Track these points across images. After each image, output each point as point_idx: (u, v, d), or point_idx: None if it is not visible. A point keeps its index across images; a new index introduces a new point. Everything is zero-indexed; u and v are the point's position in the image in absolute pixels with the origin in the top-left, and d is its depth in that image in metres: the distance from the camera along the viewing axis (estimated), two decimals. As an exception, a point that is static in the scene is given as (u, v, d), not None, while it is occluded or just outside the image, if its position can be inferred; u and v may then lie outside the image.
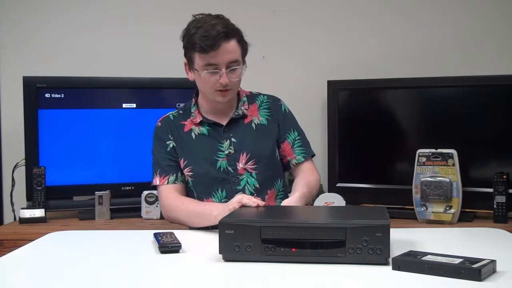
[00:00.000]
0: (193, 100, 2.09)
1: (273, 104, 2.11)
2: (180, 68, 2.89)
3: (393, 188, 2.63)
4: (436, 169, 2.40)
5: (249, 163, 2.01)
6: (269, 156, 2.04)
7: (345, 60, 2.92)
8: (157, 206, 2.59)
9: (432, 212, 2.40)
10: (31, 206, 2.58)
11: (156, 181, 2.03)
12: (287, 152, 2.08)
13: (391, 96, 2.74)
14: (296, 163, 2.08)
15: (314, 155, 2.14)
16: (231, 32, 1.94)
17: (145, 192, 2.60)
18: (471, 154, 2.51)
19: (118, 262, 1.47)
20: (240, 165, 2.00)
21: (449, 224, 2.36)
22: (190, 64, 1.99)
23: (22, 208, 2.57)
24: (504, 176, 2.39)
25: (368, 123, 2.71)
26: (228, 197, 1.98)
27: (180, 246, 1.53)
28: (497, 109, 2.53)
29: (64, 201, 2.70)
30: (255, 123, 2.06)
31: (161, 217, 2.59)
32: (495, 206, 2.41)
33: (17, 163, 2.75)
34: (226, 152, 2.01)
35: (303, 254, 1.37)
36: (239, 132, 2.04)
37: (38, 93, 2.63)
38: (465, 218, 2.43)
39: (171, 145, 2.05)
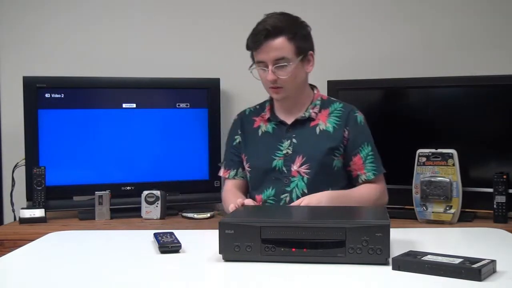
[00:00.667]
0: (269, 96, 2.14)
1: (346, 114, 2.08)
2: (180, 68, 2.92)
3: (393, 188, 2.61)
4: (436, 169, 2.40)
5: (303, 167, 2.01)
6: (324, 163, 2.02)
7: (345, 60, 2.91)
8: (157, 206, 2.59)
9: (432, 212, 2.40)
10: (31, 206, 2.58)
11: (221, 172, 2.22)
12: (358, 167, 2.06)
13: (391, 96, 2.74)
14: (365, 180, 2.05)
15: (385, 172, 2.10)
16: (277, 29, 1.96)
17: (145, 192, 2.60)
18: (471, 154, 2.51)
19: (118, 262, 1.47)
20: (294, 167, 2.01)
21: (449, 224, 2.36)
22: (253, 63, 2.07)
23: (22, 208, 2.57)
24: (504, 176, 2.39)
25: (368, 123, 2.71)
26: (276, 196, 2.02)
27: (180, 246, 1.53)
28: (497, 109, 2.53)
29: (64, 201, 2.69)
30: (320, 128, 2.05)
31: (161, 217, 2.59)
32: (495, 206, 2.40)
33: (17, 163, 2.75)
34: (284, 151, 2.03)
35: (303, 254, 1.37)
36: (302, 134, 2.05)
37: (38, 93, 2.63)
38: (465, 218, 2.43)
39: (237, 140, 2.15)
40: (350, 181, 2.11)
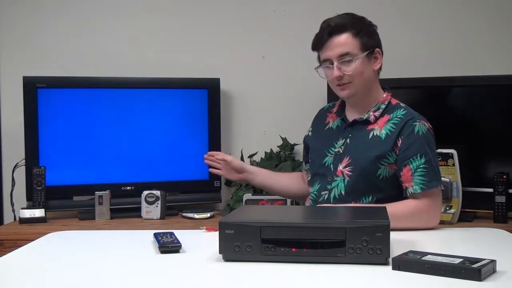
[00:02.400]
0: None
1: (404, 122, 1.96)
2: (180, 68, 2.92)
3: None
4: (436, 169, 2.40)
5: (347, 168, 1.97)
6: (367, 169, 1.94)
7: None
8: (157, 206, 2.59)
9: (432, 212, 2.39)
10: (31, 206, 2.58)
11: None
12: (406, 178, 1.90)
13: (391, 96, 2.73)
14: (411, 193, 1.88)
15: (442, 189, 1.91)
16: (340, 26, 1.97)
17: (145, 192, 2.60)
18: (471, 154, 2.51)
19: (118, 262, 1.47)
20: (340, 167, 1.99)
21: (449, 224, 2.36)
22: (320, 64, 2.06)
23: (22, 208, 2.57)
24: (504, 176, 2.39)
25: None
26: (319, 191, 2.01)
27: (180, 246, 1.53)
28: (497, 109, 2.53)
29: (64, 201, 2.70)
30: (374, 134, 1.99)
31: (161, 217, 2.59)
32: (495, 206, 2.41)
33: (17, 163, 2.75)
34: (337, 150, 2.03)
35: (303, 254, 1.37)
36: (357, 135, 2.01)
37: (38, 93, 2.63)
38: (465, 218, 2.43)
39: (306, 134, 2.22)
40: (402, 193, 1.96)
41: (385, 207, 1.58)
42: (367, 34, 1.99)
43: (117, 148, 2.74)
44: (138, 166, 2.76)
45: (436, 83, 2.60)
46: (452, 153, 2.38)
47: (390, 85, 2.71)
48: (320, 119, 2.19)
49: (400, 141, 1.93)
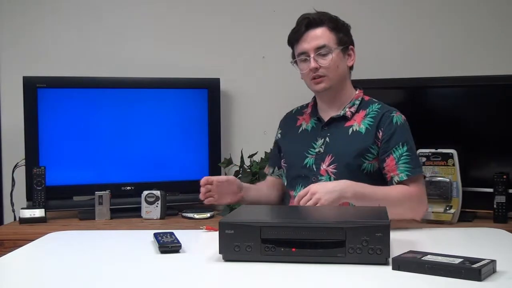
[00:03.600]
0: (313, 96, 2.15)
1: (381, 114, 2.00)
2: (180, 68, 2.92)
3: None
4: (436, 169, 2.40)
5: (331, 166, 1.98)
6: (351, 165, 1.96)
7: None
8: (157, 206, 2.59)
9: (432, 212, 2.40)
10: (31, 206, 2.58)
11: (265, 169, 2.31)
12: (391, 168, 1.93)
13: (391, 96, 2.73)
14: (398, 181, 1.91)
15: (424, 176, 1.99)
16: (318, 20, 2.00)
17: (145, 192, 2.60)
18: (471, 154, 2.51)
19: (118, 262, 1.47)
20: (323, 166, 1.99)
21: (449, 224, 2.36)
22: (293, 59, 2.08)
23: (22, 208, 2.57)
24: (504, 176, 2.39)
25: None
26: None
27: (180, 246, 1.53)
28: (497, 109, 2.53)
29: (64, 201, 2.69)
30: (353, 129, 2.01)
31: (161, 217, 2.59)
32: (495, 206, 2.40)
33: (17, 163, 2.75)
34: (317, 150, 2.03)
35: (303, 254, 1.37)
36: (336, 133, 2.03)
37: (38, 93, 2.63)
38: (465, 218, 2.43)
39: (276, 138, 2.23)
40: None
41: (385, 207, 1.58)
42: (342, 31, 2.03)
43: (117, 148, 2.74)
44: (138, 166, 2.76)
45: (436, 83, 2.60)
46: (452, 153, 2.38)
47: (389, 85, 2.72)
48: (289, 122, 2.19)
49: (380, 133, 1.97)
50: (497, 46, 2.79)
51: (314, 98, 2.16)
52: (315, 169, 2.01)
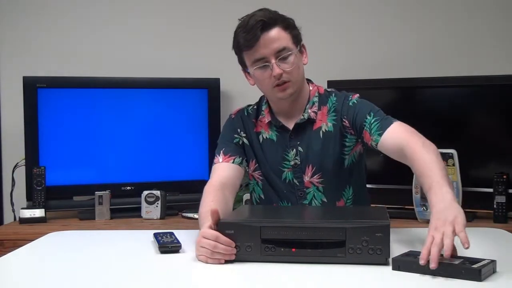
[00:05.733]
0: (266, 98, 1.92)
1: (341, 104, 1.85)
2: (180, 68, 2.92)
3: (393, 188, 2.62)
4: (436, 169, 2.40)
5: (315, 177, 1.84)
6: (335, 167, 1.84)
7: (345, 60, 2.91)
8: (157, 206, 2.59)
9: (432, 212, 2.39)
10: (31, 206, 2.58)
11: (219, 159, 1.86)
12: (368, 140, 1.77)
13: (391, 96, 2.74)
14: (375, 145, 1.74)
15: (395, 121, 1.77)
16: (271, 20, 1.77)
17: (145, 192, 2.60)
18: (471, 154, 2.51)
19: (118, 262, 1.47)
20: (306, 178, 1.84)
21: (449, 224, 2.36)
22: (244, 68, 1.84)
23: (22, 208, 2.57)
24: (504, 176, 2.39)
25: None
26: None
27: (180, 246, 1.53)
28: (497, 109, 2.53)
29: (64, 201, 2.70)
30: (323, 131, 1.85)
31: (161, 217, 2.59)
32: (495, 206, 2.41)
33: (17, 163, 2.75)
34: (292, 163, 1.85)
35: (303, 254, 1.37)
36: (306, 140, 1.85)
37: (38, 93, 2.63)
38: (465, 218, 2.42)
39: (240, 142, 1.91)
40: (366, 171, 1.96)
41: (385, 207, 1.57)
42: (293, 27, 1.84)
43: (117, 148, 2.74)
44: (138, 166, 2.76)
45: (436, 83, 2.60)
46: (452, 153, 2.38)
47: (390, 85, 2.72)
48: (248, 127, 1.93)
49: (346, 121, 1.82)
50: (497, 46, 2.79)
51: (267, 103, 1.91)
52: (297, 183, 1.85)
